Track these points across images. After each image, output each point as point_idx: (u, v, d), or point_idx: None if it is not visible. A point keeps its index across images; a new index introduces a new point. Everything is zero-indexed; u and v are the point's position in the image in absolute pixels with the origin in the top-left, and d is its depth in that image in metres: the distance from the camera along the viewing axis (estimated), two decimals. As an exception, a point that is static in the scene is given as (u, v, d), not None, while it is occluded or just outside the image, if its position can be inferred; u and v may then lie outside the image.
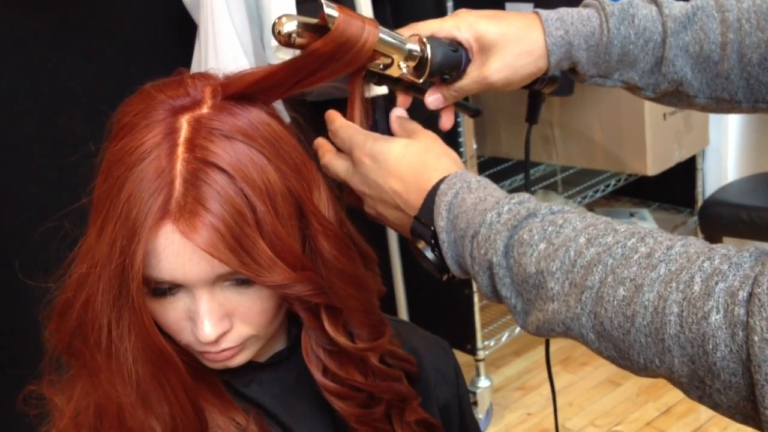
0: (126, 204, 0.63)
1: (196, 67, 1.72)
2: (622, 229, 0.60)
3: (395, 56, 0.75)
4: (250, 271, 0.63)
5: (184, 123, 0.65)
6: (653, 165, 2.46)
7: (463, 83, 0.80)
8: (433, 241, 0.69)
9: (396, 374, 0.78)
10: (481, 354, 2.30)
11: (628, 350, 0.56)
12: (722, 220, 2.40)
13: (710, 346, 0.51)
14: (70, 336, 0.68)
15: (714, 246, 0.56)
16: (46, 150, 1.68)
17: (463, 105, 0.90)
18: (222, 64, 1.59)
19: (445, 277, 0.71)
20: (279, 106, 0.74)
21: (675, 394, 2.28)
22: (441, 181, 0.69)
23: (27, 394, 0.74)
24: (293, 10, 1.71)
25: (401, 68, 0.76)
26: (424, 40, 0.76)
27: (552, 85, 0.87)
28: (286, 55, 1.75)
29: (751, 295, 0.50)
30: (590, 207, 2.88)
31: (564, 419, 2.29)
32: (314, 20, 0.69)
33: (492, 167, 2.84)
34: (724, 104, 0.83)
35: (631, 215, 2.85)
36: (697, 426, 2.19)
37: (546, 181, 2.90)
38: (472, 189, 0.67)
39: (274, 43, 1.72)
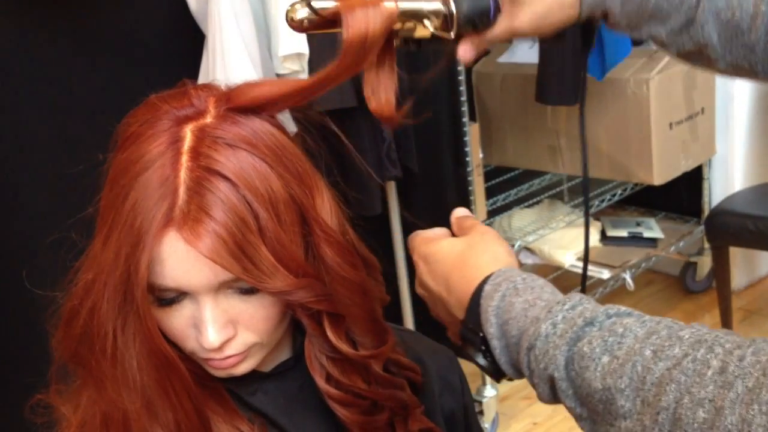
0: (131, 212, 0.64)
1: (203, 77, 1.73)
2: (687, 336, 0.57)
3: (421, 20, 0.75)
4: (253, 277, 0.64)
5: (188, 132, 0.66)
6: (660, 174, 2.46)
7: (495, 32, 0.80)
8: (483, 347, 0.67)
9: (399, 382, 0.78)
10: (487, 363, 2.30)
11: None
12: (729, 229, 2.39)
13: None
14: (76, 343, 0.69)
15: None
16: (55, 159, 1.69)
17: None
18: (229, 74, 1.61)
19: (501, 380, 0.70)
20: (286, 114, 0.75)
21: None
22: (484, 281, 0.67)
23: (34, 403, 0.74)
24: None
25: (428, 28, 0.76)
26: None
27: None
28: (294, 65, 1.76)
29: None
30: (597, 216, 2.87)
31: (570, 428, 2.28)
32: (327, 5, 0.70)
33: (498, 176, 2.84)
34: (743, 72, 0.83)
35: (638, 224, 2.85)
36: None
37: (552, 191, 2.90)
38: (519, 291, 0.65)
39: (281, 53, 1.73)
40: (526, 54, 2.57)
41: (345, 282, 0.71)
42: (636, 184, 2.74)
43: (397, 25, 0.73)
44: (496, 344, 0.65)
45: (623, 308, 0.62)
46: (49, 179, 1.69)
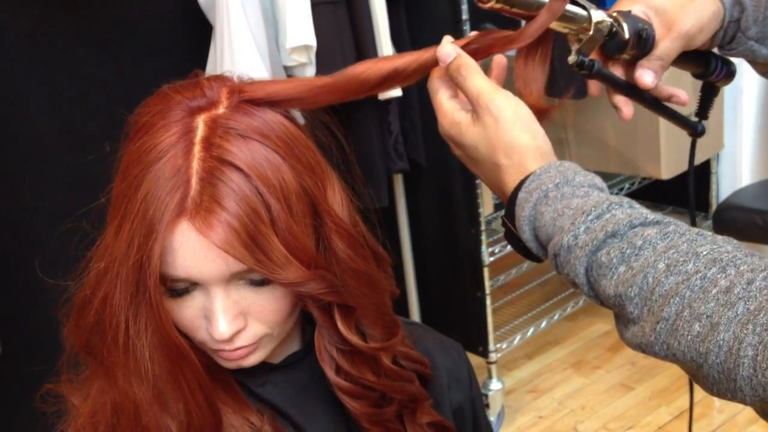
0: (143, 202, 0.64)
1: (211, 69, 1.73)
2: (705, 252, 0.58)
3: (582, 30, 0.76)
4: (265, 268, 0.64)
5: (201, 123, 0.66)
6: (667, 168, 2.45)
7: (662, 47, 0.79)
8: (522, 244, 0.69)
9: (408, 375, 0.78)
10: (493, 356, 2.30)
11: (701, 380, 0.57)
12: (736, 224, 2.39)
13: None
14: (87, 333, 0.69)
15: None
16: (65, 150, 1.69)
17: (681, 119, 0.89)
18: (237, 66, 1.61)
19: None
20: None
21: (688, 398, 2.27)
22: (519, 186, 0.68)
23: (45, 392, 0.74)
24: (308, 12, 1.71)
25: (597, 34, 0.76)
26: (614, 14, 0.77)
27: (728, 79, 0.87)
28: (302, 57, 1.76)
29: None
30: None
31: (576, 422, 2.29)
32: None
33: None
34: None
35: (645, 219, 2.84)
36: (710, 430, 2.18)
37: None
38: (549, 199, 0.65)
39: (289, 45, 1.72)
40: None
41: (355, 274, 0.71)
42: (644, 179, 2.73)
43: (556, 25, 0.74)
44: (531, 245, 0.68)
45: (651, 216, 0.63)
46: (59, 170, 1.70)
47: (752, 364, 0.52)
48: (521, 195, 0.67)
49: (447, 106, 0.74)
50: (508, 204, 0.69)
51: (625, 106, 0.81)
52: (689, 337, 0.56)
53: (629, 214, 0.62)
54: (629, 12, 0.78)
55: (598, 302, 0.64)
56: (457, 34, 2.06)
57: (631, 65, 0.80)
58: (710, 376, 0.55)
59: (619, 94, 0.81)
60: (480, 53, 0.74)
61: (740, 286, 0.55)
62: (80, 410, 0.72)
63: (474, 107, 0.71)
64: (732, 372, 0.53)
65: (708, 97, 0.90)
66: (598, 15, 0.75)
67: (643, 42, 0.78)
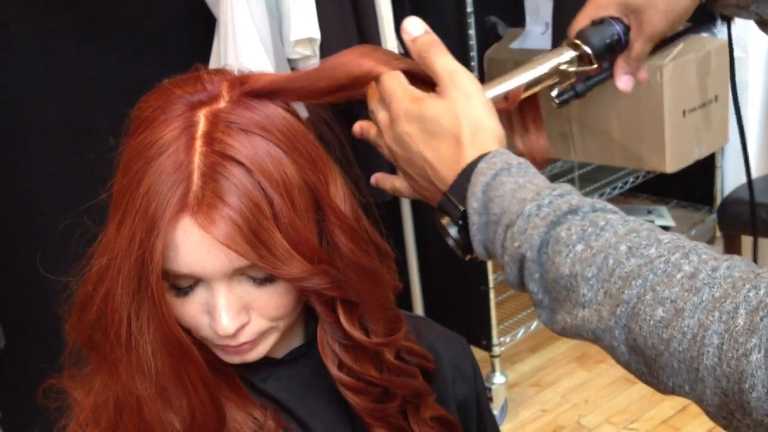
0: (145, 197, 0.63)
1: (215, 62, 1.72)
2: (666, 240, 0.57)
3: (561, 74, 0.78)
4: (268, 263, 0.64)
5: (202, 117, 0.66)
6: (672, 162, 2.44)
7: (636, 49, 0.81)
8: (460, 222, 0.66)
9: (411, 370, 0.78)
10: (496, 350, 2.30)
11: (657, 371, 0.55)
12: (741, 218, 2.38)
13: (747, 385, 0.48)
14: (89, 329, 0.69)
15: (761, 271, 0.53)
16: (67, 145, 1.69)
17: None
18: (241, 59, 1.60)
19: (467, 258, 0.69)
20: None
21: (692, 393, 2.27)
22: (480, 158, 0.66)
23: (47, 388, 0.74)
24: (312, 5, 1.71)
25: (571, 72, 0.78)
26: (575, 41, 0.79)
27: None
28: (306, 50, 1.75)
29: None
30: (608, 204, 2.87)
31: (579, 416, 2.29)
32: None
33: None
34: None
35: (649, 212, 2.84)
36: (712, 425, 2.17)
37: (563, 178, 2.89)
38: (512, 172, 0.64)
39: (293, 37, 1.72)
40: (539, 40, 2.55)
41: (358, 269, 0.70)
42: (648, 172, 2.72)
43: (537, 89, 0.77)
44: (475, 220, 0.65)
45: (611, 206, 0.62)
46: (61, 165, 1.70)
47: (717, 353, 0.50)
48: (482, 165, 0.66)
49: (408, 86, 0.73)
50: (458, 177, 0.67)
51: (625, 82, 0.83)
52: (652, 322, 0.53)
53: (591, 201, 0.62)
54: (599, 22, 0.80)
55: (540, 286, 0.61)
56: (462, 27, 2.06)
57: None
58: (669, 366, 0.53)
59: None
60: None
61: (705, 272, 0.53)
62: (82, 405, 0.73)
63: (442, 84, 0.71)
64: (695, 360, 0.51)
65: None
66: (560, 58, 0.77)
67: (616, 48, 0.80)
